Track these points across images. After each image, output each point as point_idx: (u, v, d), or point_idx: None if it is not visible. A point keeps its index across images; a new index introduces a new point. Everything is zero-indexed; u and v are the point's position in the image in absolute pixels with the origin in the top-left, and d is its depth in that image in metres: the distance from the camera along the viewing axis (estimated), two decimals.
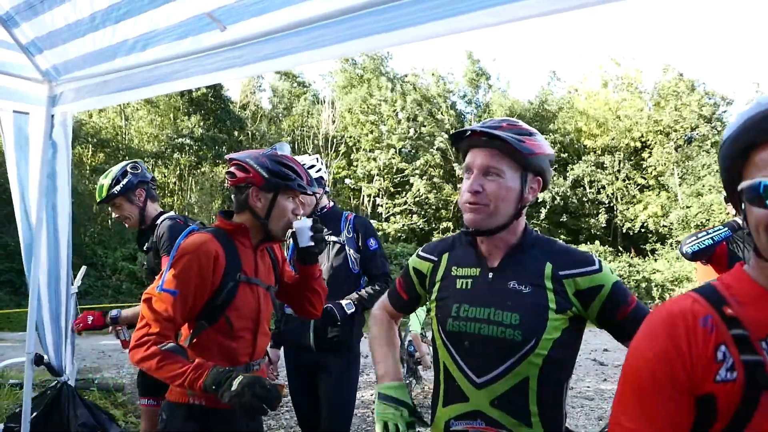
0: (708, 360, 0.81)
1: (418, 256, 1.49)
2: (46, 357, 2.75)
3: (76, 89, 2.48)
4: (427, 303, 1.47)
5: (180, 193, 21.11)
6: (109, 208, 2.60)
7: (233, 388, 1.47)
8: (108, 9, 2.00)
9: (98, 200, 2.53)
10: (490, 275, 1.31)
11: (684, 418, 0.82)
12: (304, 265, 1.93)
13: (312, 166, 2.59)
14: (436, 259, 1.43)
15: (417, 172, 22.44)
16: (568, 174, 23.18)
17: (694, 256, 2.80)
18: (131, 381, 6.38)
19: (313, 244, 1.83)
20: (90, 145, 18.99)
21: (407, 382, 5.67)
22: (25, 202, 2.78)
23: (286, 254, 2.12)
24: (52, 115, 2.59)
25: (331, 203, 2.70)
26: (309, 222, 1.82)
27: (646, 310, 1.25)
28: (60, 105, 2.55)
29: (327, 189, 2.71)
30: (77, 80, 2.45)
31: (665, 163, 22.36)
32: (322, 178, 2.62)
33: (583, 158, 23.63)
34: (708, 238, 2.79)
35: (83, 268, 3.10)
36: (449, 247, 1.43)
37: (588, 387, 6.53)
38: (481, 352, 1.26)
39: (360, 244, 2.59)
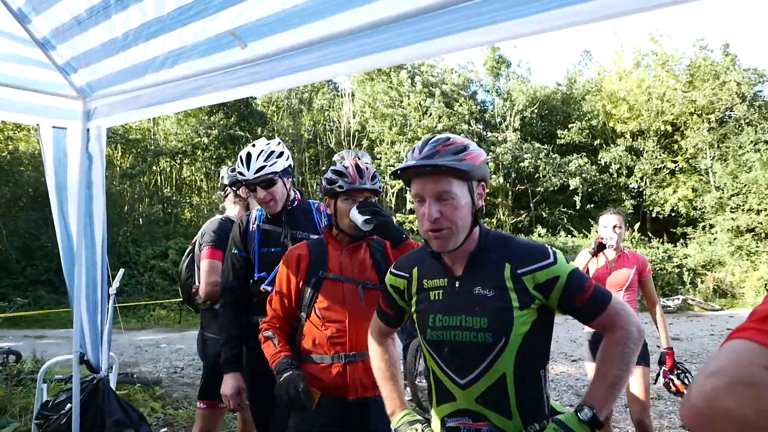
0: None
1: (392, 273, 1.57)
2: (85, 355, 2.92)
3: (109, 104, 2.61)
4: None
5: (208, 190, 21.55)
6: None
7: (280, 381, 1.80)
8: (140, 27, 2.10)
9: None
10: (457, 284, 1.39)
11: None
12: (395, 248, 2.01)
13: (271, 153, 2.30)
14: (407, 275, 1.52)
15: None
16: (599, 160, 22.76)
17: None
18: (167, 375, 6.66)
19: (371, 225, 1.90)
20: (119, 146, 19.53)
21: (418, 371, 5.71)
22: (63, 211, 2.94)
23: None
24: (88, 129, 2.74)
25: (298, 195, 2.51)
26: (354, 209, 1.92)
27: (604, 294, 1.36)
28: (94, 119, 2.70)
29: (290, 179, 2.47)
30: (110, 96, 2.59)
31: (698, 145, 21.73)
32: (290, 166, 2.41)
33: (613, 143, 23.12)
34: None
35: (121, 271, 3.27)
36: (417, 261, 1.51)
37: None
38: (460, 357, 1.36)
39: None
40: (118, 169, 18.84)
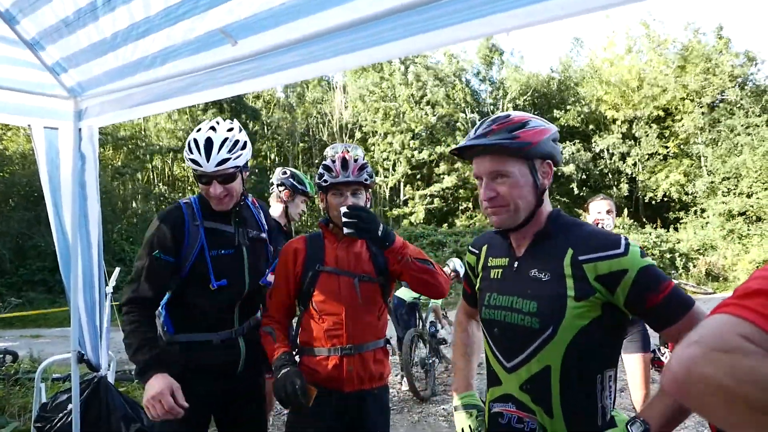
0: None
1: (468, 251, 1.58)
2: (84, 354, 2.93)
3: (100, 104, 2.61)
4: None
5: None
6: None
7: (278, 377, 1.81)
8: (128, 28, 2.10)
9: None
10: (516, 264, 1.35)
11: None
12: (383, 251, 1.94)
13: (235, 143, 2.01)
14: (478, 252, 1.52)
15: (434, 157, 22.33)
16: (593, 146, 22.83)
17: None
18: None
19: (350, 230, 1.84)
20: (110, 145, 19.40)
21: (430, 361, 5.81)
22: (59, 211, 2.94)
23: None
24: (80, 129, 2.74)
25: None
26: (343, 209, 1.88)
27: (683, 298, 1.19)
28: (86, 119, 2.69)
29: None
30: (101, 95, 2.58)
31: (690, 130, 21.83)
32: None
33: (607, 130, 23.19)
34: None
35: (117, 270, 3.28)
36: (489, 239, 1.50)
37: None
38: (508, 338, 1.31)
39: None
40: (110, 167, 18.70)
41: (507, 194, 1.28)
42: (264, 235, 2.22)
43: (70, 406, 2.78)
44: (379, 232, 1.84)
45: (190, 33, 2.01)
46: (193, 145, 1.97)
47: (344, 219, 1.84)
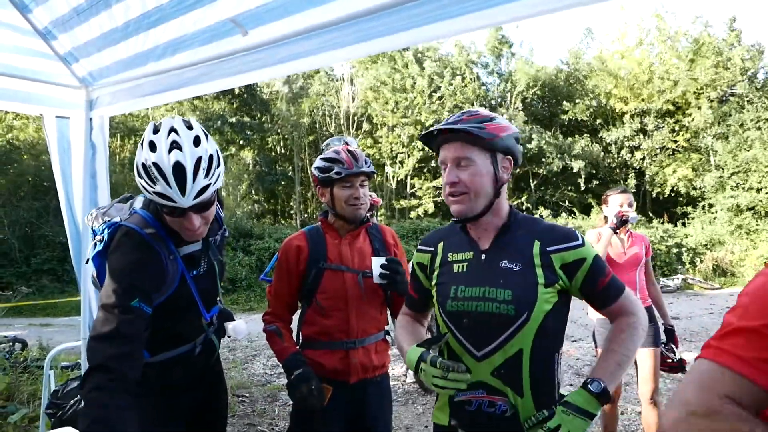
0: None
1: (418, 250, 1.60)
2: None
3: (111, 93, 2.64)
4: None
5: None
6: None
7: (292, 379, 1.83)
8: (140, 17, 2.12)
9: None
10: (483, 257, 1.41)
11: None
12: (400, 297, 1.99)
13: (210, 161, 1.53)
14: (432, 249, 1.54)
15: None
16: (602, 139, 22.69)
17: None
18: None
19: (383, 281, 1.93)
20: (119, 135, 19.49)
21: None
22: (70, 200, 2.97)
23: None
24: (91, 119, 2.77)
25: None
26: (381, 260, 1.95)
27: (619, 282, 1.42)
28: (97, 109, 2.72)
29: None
30: (112, 85, 2.61)
31: (699, 124, 21.65)
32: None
33: (614, 124, 23.04)
34: None
35: None
36: (444, 236, 1.54)
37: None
38: (480, 328, 1.37)
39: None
40: (117, 157, 18.80)
41: (468, 182, 1.36)
42: (226, 231, 1.92)
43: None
44: (404, 285, 1.90)
45: (201, 22, 2.03)
46: (155, 172, 1.44)
47: (381, 270, 1.92)
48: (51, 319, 11.04)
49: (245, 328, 1.94)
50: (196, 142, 1.49)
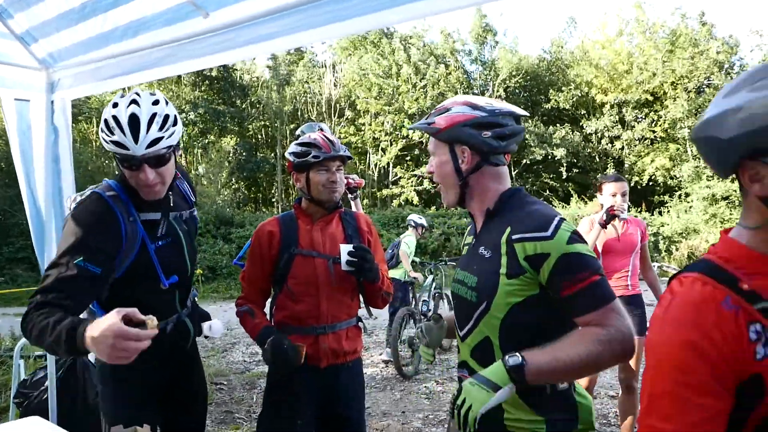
0: (744, 342, 0.77)
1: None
2: None
3: (73, 75, 2.55)
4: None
5: (187, 165, 21.23)
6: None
7: (265, 346, 1.88)
8: None
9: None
10: (474, 242, 1.43)
11: (723, 409, 0.78)
12: (368, 286, 2.06)
13: (165, 118, 1.63)
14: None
15: (425, 138, 22.21)
16: (584, 128, 22.88)
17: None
18: None
19: (350, 268, 1.93)
20: (95, 120, 19.04)
21: (417, 341, 5.80)
22: (31, 185, 2.88)
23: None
24: (52, 101, 2.68)
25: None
26: (349, 247, 1.95)
27: (606, 292, 1.19)
28: (58, 91, 2.63)
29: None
30: (73, 67, 2.52)
31: (677, 115, 21.98)
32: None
33: (596, 113, 23.24)
34: None
35: None
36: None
37: None
38: (458, 310, 1.43)
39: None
40: (93, 144, 18.37)
41: (435, 173, 1.45)
42: (195, 210, 2.01)
43: (47, 383, 2.77)
44: (373, 272, 1.96)
45: (159, 5, 1.97)
46: (113, 123, 1.58)
47: (348, 257, 1.91)
48: (24, 308, 10.78)
49: (221, 327, 1.98)
50: (155, 102, 1.63)
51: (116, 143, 1.57)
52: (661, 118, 22.60)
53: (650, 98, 22.89)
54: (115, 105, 1.61)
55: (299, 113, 22.87)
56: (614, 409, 3.82)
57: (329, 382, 2.00)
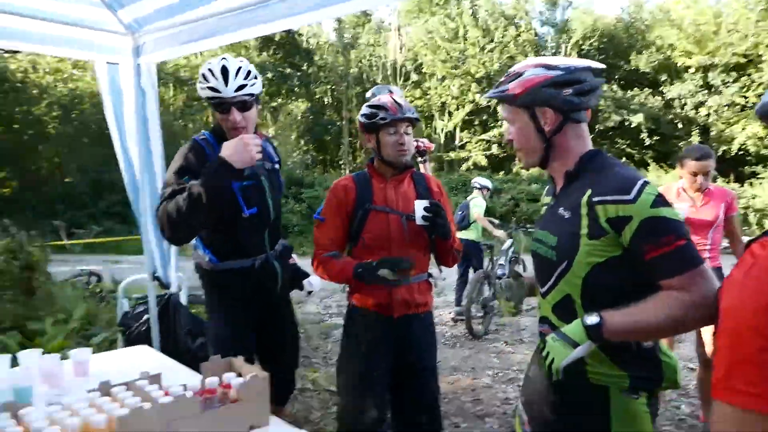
0: None
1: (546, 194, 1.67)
2: (156, 272, 3.18)
3: (155, 40, 2.72)
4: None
5: (258, 127, 21.90)
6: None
7: (366, 272, 1.98)
8: None
9: None
10: (554, 202, 1.45)
11: None
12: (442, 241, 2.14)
13: (249, 72, 2.02)
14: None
15: (493, 102, 21.50)
16: (664, 93, 21.28)
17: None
18: None
19: (425, 223, 2.01)
20: (171, 85, 19.96)
21: (491, 303, 5.75)
22: (124, 145, 3.13)
23: None
24: (138, 65, 2.87)
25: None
26: (425, 203, 2.02)
27: (693, 257, 1.18)
28: (143, 55, 2.82)
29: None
30: (155, 32, 2.68)
31: None
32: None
33: (678, 77, 21.45)
34: None
35: None
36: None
37: None
38: (539, 268, 1.45)
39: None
40: (171, 107, 19.35)
41: (516, 139, 1.44)
42: (277, 166, 2.32)
43: (146, 317, 3.08)
44: (446, 228, 2.05)
45: None
46: (209, 74, 1.97)
47: (424, 213, 1.99)
48: (120, 256, 11.81)
49: (320, 281, 2.19)
50: (240, 61, 2.01)
51: (211, 88, 1.96)
52: (754, 82, 20.45)
53: (742, 61, 20.71)
54: (209, 63, 2.00)
55: (365, 76, 22.80)
56: (693, 382, 3.69)
57: (402, 332, 2.10)
